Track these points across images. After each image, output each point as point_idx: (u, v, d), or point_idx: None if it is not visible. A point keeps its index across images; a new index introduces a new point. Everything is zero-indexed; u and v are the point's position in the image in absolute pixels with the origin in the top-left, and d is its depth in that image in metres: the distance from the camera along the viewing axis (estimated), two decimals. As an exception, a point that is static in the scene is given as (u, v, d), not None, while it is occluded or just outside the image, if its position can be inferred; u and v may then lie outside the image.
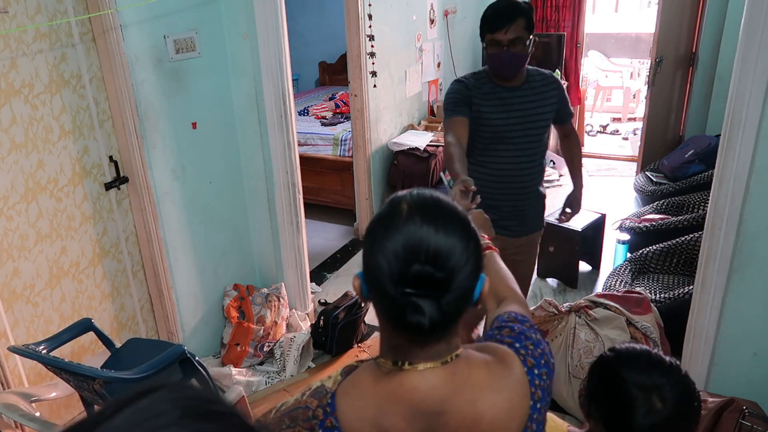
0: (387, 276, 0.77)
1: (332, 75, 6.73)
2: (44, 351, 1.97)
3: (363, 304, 0.77)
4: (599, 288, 3.54)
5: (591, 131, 6.73)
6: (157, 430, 0.44)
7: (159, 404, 0.46)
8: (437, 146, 4.34)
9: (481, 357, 0.87)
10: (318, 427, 0.85)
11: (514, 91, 2.11)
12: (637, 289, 2.83)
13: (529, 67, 2.15)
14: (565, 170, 5.66)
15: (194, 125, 2.72)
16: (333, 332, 3.04)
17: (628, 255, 3.51)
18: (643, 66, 7.33)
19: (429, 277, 0.76)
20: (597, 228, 3.71)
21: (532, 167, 2.20)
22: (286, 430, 0.88)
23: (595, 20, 7.95)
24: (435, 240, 0.76)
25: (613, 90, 7.58)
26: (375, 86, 4.11)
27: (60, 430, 0.43)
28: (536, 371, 0.88)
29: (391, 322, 0.81)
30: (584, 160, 5.92)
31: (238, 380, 2.74)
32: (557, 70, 5.44)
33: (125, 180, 2.51)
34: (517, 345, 0.90)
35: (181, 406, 0.47)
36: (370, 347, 3.14)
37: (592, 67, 7.33)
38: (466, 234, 0.80)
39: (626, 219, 3.92)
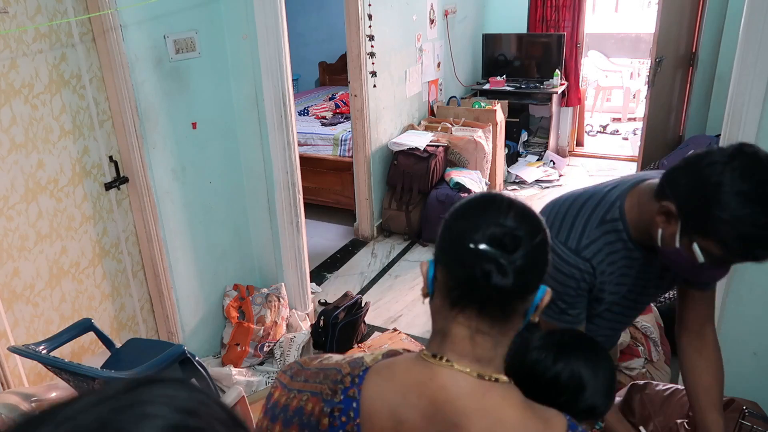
0: (470, 233, 0.81)
1: (332, 75, 6.73)
2: (44, 351, 1.97)
3: (423, 300, 0.79)
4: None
5: (591, 131, 6.73)
6: None
7: (143, 407, 0.44)
8: (437, 146, 4.34)
9: (524, 400, 0.84)
10: (341, 392, 0.87)
11: (655, 257, 1.26)
12: (637, 289, 2.83)
13: None
14: (567, 169, 5.68)
15: (194, 125, 2.72)
16: (333, 332, 3.04)
17: (628, 255, 3.50)
18: (643, 66, 7.33)
19: (505, 238, 0.80)
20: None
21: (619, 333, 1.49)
22: (314, 382, 0.91)
23: (595, 20, 7.95)
24: (512, 219, 0.82)
25: (613, 90, 7.58)
26: (375, 86, 4.11)
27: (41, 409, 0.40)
28: None
29: (462, 285, 0.82)
30: (584, 161, 6.00)
31: (238, 380, 2.74)
32: (557, 71, 5.45)
33: (125, 180, 2.51)
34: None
35: (163, 415, 0.44)
36: (370, 347, 3.14)
37: (592, 67, 7.33)
38: (540, 228, 0.85)
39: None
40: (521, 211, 0.84)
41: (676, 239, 1.11)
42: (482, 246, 0.79)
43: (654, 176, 1.26)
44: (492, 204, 0.85)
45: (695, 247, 1.08)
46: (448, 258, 0.84)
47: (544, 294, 0.84)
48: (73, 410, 0.43)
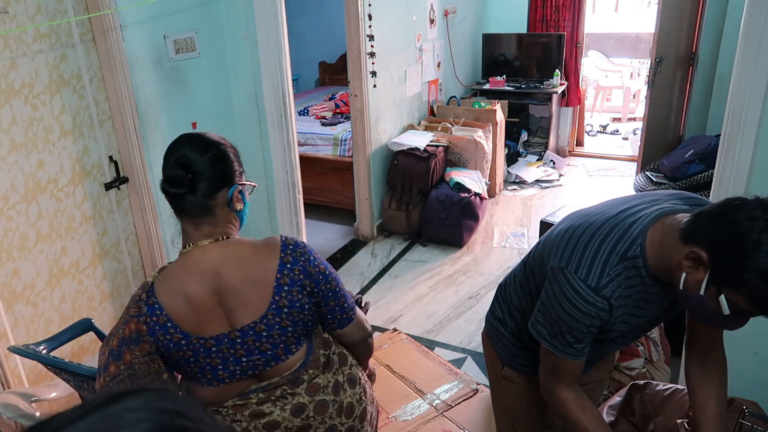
0: (164, 169, 1.31)
1: (332, 75, 6.73)
2: (44, 351, 1.97)
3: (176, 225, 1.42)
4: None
5: (591, 131, 6.73)
6: None
7: (127, 414, 0.44)
8: (437, 146, 4.34)
9: (251, 241, 1.34)
10: (144, 305, 1.24)
11: (669, 290, 1.25)
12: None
13: None
14: (567, 169, 5.68)
15: (194, 125, 2.72)
16: (333, 332, 3.04)
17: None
18: (643, 66, 7.33)
19: (181, 162, 1.29)
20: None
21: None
22: (123, 317, 1.27)
23: (595, 20, 7.95)
24: (187, 148, 1.31)
25: (613, 90, 7.58)
26: (375, 86, 4.11)
27: (26, 428, 0.42)
28: (289, 266, 1.29)
29: (171, 203, 1.32)
30: (584, 161, 5.99)
31: (238, 380, 2.74)
32: (557, 71, 5.45)
33: (125, 180, 2.51)
34: (289, 249, 1.32)
35: (148, 419, 0.44)
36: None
37: (592, 67, 7.33)
38: (210, 146, 1.32)
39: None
40: (195, 139, 1.33)
41: (702, 287, 1.10)
42: (169, 173, 1.27)
43: (677, 209, 1.23)
44: (176, 141, 1.34)
45: (722, 298, 1.08)
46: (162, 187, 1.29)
47: (234, 190, 1.32)
48: (59, 423, 0.43)
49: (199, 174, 1.26)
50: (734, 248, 1.03)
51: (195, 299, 1.25)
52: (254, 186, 1.45)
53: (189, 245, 1.29)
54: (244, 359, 1.29)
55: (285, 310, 1.28)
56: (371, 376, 1.68)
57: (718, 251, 1.06)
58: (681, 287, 1.15)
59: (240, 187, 1.34)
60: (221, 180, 1.30)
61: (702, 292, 1.10)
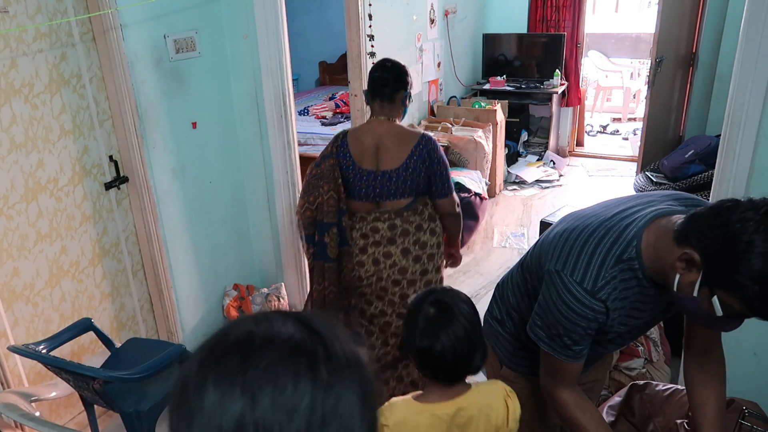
0: (374, 71, 2.23)
1: (332, 75, 6.73)
2: (44, 351, 1.97)
3: (366, 106, 2.36)
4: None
5: (591, 131, 6.73)
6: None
7: (278, 315, 0.64)
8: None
9: (404, 127, 2.23)
10: (339, 140, 2.21)
11: (666, 292, 1.22)
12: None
13: None
14: (567, 169, 5.68)
15: (194, 125, 2.72)
16: (333, 332, 3.04)
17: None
18: (643, 66, 7.33)
19: (385, 66, 2.24)
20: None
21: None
22: (325, 148, 2.25)
23: (595, 20, 7.95)
24: (389, 62, 2.26)
25: (613, 90, 7.57)
26: (375, 86, 4.11)
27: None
28: (421, 146, 2.16)
29: (372, 90, 2.21)
30: (584, 161, 5.99)
31: (237, 380, 2.74)
32: (557, 71, 5.45)
33: (125, 180, 2.51)
34: (425, 139, 2.19)
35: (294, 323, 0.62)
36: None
37: (592, 67, 7.33)
38: (399, 65, 2.25)
39: (626, 219, 3.89)
40: (394, 62, 2.23)
41: (695, 288, 1.09)
42: (379, 74, 2.19)
43: (673, 210, 1.22)
44: (383, 61, 2.26)
45: (715, 299, 1.07)
46: (369, 84, 2.21)
47: (407, 95, 2.22)
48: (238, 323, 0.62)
49: (394, 76, 2.18)
50: (726, 250, 1.03)
51: (365, 144, 2.18)
52: (411, 101, 2.31)
53: (373, 117, 2.21)
54: (377, 189, 2.19)
55: (409, 170, 2.16)
56: (456, 257, 2.48)
57: (710, 253, 1.06)
58: (675, 289, 1.14)
59: (409, 94, 2.23)
60: (402, 85, 2.19)
61: (695, 294, 1.10)
